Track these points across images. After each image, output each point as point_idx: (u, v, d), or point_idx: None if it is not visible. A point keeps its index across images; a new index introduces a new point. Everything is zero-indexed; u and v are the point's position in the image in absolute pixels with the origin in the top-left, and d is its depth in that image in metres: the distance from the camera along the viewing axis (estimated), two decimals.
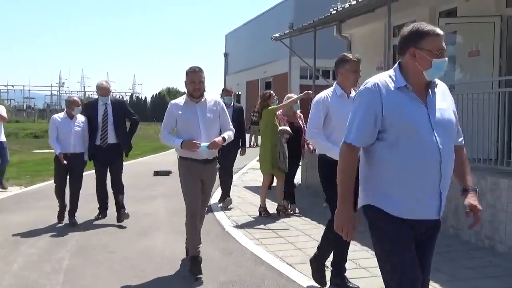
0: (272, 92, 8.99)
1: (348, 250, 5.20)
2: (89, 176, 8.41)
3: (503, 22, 9.36)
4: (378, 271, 5.53)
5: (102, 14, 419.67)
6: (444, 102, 3.04)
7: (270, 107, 8.62)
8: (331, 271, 5.17)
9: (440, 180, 2.91)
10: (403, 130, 2.86)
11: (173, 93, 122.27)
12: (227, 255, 6.35)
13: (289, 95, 8.97)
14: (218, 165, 5.97)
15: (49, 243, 6.93)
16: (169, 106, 5.71)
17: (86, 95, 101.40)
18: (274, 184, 9.22)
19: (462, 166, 3.18)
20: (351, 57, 5.07)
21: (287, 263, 5.94)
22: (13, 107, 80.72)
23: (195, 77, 5.50)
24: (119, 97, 55.11)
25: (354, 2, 11.03)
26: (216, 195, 10.19)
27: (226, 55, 54.08)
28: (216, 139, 5.49)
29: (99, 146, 7.94)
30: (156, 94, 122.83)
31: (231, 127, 5.85)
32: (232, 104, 9.43)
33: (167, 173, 14.38)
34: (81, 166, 8.05)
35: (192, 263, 5.52)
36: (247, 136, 14.42)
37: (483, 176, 6.77)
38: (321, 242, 5.23)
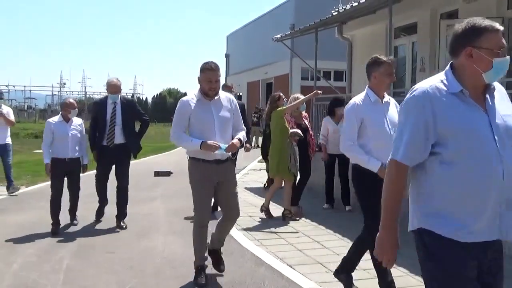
0: (281, 94, 8.88)
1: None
2: (88, 176, 8.39)
3: (504, 24, 9.35)
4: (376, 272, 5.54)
5: (103, 15, 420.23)
6: (506, 107, 2.64)
7: (279, 108, 8.49)
8: (341, 264, 5.10)
9: (503, 196, 2.51)
10: (462, 142, 2.48)
11: (174, 94, 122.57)
12: (227, 256, 6.32)
13: (296, 95, 8.88)
14: (234, 164, 5.71)
15: (49, 243, 6.92)
16: (180, 104, 5.31)
17: (87, 96, 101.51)
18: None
19: None
20: (385, 59, 4.75)
21: (287, 264, 5.93)
22: (14, 107, 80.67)
23: (212, 75, 5.14)
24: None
25: (356, 4, 11.03)
26: None
27: (227, 56, 54.07)
28: (234, 141, 5.20)
29: (105, 146, 7.64)
30: (157, 94, 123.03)
31: (243, 126, 5.59)
32: None
33: (167, 173, 14.39)
34: (79, 171, 7.74)
35: (198, 272, 5.33)
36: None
37: None
38: (350, 256, 5.06)
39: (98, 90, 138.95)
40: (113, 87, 7.69)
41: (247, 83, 46.00)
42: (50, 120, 7.72)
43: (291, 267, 5.84)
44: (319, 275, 5.56)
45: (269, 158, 8.86)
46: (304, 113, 9.05)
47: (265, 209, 8.61)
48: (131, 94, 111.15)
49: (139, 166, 16.67)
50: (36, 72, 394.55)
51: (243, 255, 6.40)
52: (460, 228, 2.52)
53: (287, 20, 31.41)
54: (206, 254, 5.48)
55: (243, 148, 9.06)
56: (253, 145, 22.68)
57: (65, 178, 7.70)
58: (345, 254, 5.21)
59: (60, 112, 7.76)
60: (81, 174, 7.83)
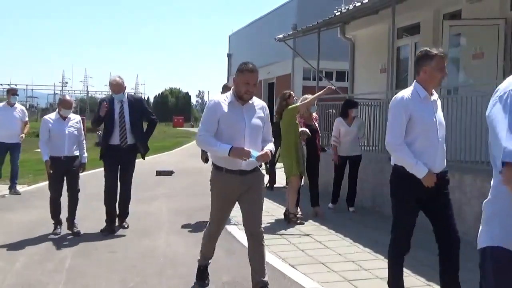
0: (292, 92, 8.70)
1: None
2: (90, 175, 8.38)
3: (507, 25, 9.35)
4: (380, 273, 5.56)
5: (105, 14, 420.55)
6: None
7: (291, 106, 8.29)
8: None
9: None
10: None
11: (175, 93, 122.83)
12: (230, 256, 6.34)
13: (306, 96, 8.72)
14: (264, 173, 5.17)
15: (52, 242, 6.93)
16: (210, 103, 4.81)
17: (89, 95, 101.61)
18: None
19: None
20: (436, 52, 4.32)
21: (289, 264, 5.93)
22: None
23: (251, 77, 4.67)
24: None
25: (358, 4, 11.02)
26: None
27: (229, 56, 54.07)
28: (267, 151, 4.69)
29: (116, 146, 7.31)
30: (159, 94, 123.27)
31: (272, 137, 5.04)
32: None
33: (169, 173, 14.40)
34: (77, 169, 7.37)
35: (201, 272, 5.27)
36: None
37: (486, 179, 6.73)
38: (392, 271, 4.67)
39: (100, 89, 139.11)
40: (116, 86, 7.36)
41: None
42: (46, 117, 7.44)
43: (293, 267, 5.84)
44: (321, 275, 5.55)
45: (283, 158, 8.45)
46: (314, 115, 8.95)
47: (293, 215, 8.21)
48: (133, 93, 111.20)
49: (140, 166, 16.62)
50: (38, 71, 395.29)
51: (245, 255, 6.38)
52: None
53: (290, 20, 31.40)
54: (211, 255, 5.32)
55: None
56: None
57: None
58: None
59: (57, 109, 7.47)
60: (80, 174, 7.55)
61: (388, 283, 4.62)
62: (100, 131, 15.80)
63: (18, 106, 10.83)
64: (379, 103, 10.30)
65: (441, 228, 4.49)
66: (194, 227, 7.88)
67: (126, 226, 7.67)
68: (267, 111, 4.94)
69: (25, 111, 11.06)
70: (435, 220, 4.52)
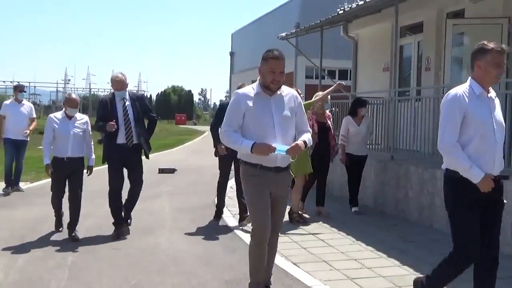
0: (298, 89, 8.61)
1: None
2: (93, 173, 8.31)
3: (510, 24, 9.34)
4: (382, 271, 5.57)
5: (108, 11, 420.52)
6: None
7: (304, 102, 8.14)
8: None
9: None
10: None
11: (178, 91, 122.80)
12: (232, 253, 6.35)
13: (318, 93, 8.56)
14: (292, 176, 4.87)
15: (54, 239, 6.95)
16: (234, 96, 4.51)
17: (92, 92, 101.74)
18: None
19: None
20: (492, 45, 3.99)
21: (292, 262, 5.93)
22: None
23: (276, 65, 4.33)
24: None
25: (361, 2, 11.02)
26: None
27: (232, 54, 54.08)
28: (298, 142, 4.38)
29: (121, 145, 6.98)
30: (161, 91, 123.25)
31: (309, 128, 4.72)
32: None
33: (172, 170, 14.41)
34: (81, 171, 7.09)
35: None
36: None
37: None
38: (435, 277, 4.31)
39: (102, 87, 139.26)
40: (119, 83, 7.06)
41: (251, 81, 45.90)
42: (52, 116, 7.17)
43: (296, 265, 5.84)
44: (324, 273, 5.55)
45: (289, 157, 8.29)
46: (328, 113, 8.75)
47: (297, 215, 8.09)
48: (135, 91, 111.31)
49: (143, 164, 16.69)
50: (40, 68, 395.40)
51: (247, 252, 6.38)
52: None
53: (293, 19, 31.40)
54: (266, 276, 4.76)
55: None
56: None
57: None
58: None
59: (63, 108, 7.18)
60: (85, 176, 7.20)
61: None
62: None
63: (26, 102, 10.87)
64: (381, 101, 10.30)
65: (483, 243, 4.03)
66: (197, 225, 7.89)
67: (129, 222, 7.47)
68: (299, 99, 4.63)
69: (33, 107, 11.06)
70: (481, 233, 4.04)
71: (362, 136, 8.91)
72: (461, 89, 4.00)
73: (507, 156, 7.02)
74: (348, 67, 18.77)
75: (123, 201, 7.33)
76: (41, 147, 7.07)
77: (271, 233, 4.52)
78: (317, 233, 7.37)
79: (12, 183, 10.53)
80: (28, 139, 10.64)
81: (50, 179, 7.36)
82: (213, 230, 7.57)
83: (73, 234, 6.89)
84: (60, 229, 7.25)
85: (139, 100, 7.29)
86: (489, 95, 4.06)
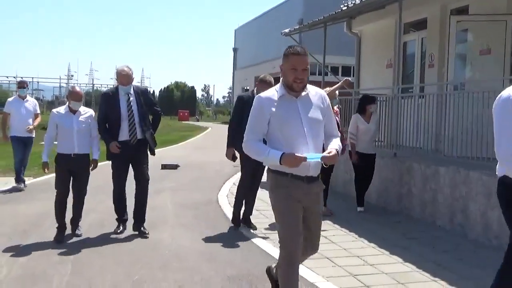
0: None
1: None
2: (96, 171, 8.28)
3: None
4: (384, 268, 5.57)
5: (111, 7, 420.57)
6: None
7: None
8: None
9: None
10: None
11: (181, 87, 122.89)
12: (235, 249, 6.35)
13: (326, 89, 8.36)
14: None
15: (56, 227, 6.94)
16: (257, 102, 3.97)
17: (95, 88, 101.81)
18: None
19: None
20: None
21: None
22: None
23: (298, 61, 3.87)
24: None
25: None
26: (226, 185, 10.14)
27: (235, 50, 54.10)
28: (334, 151, 3.89)
29: (124, 142, 6.74)
30: (164, 87, 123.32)
31: (338, 132, 4.28)
32: None
33: (175, 166, 14.43)
34: (87, 169, 6.83)
35: None
36: None
37: (492, 175, 6.72)
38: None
39: (105, 83, 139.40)
40: (125, 77, 6.76)
41: (254, 77, 45.98)
42: (55, 110, 6.86)
43: None
44: (326, 269, 5.56)
45: None
46: (336, 109, 8.57)
47: None
48: (139, 85, 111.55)
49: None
50: (43, 63, 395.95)
51: (250, 248, 6.42)
52: None
53: (296, 15, 31.39)
54: None
55: None
56: None
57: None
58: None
59: (67, 103, 6.87)
60: (91, 177, 6.98)
61: None
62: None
63: (30, 98, 10.81)
64: (385, 98, 10.28)
65: None
66: (199, 221, 7.90)
67: (147, 233, 6.94)
68: (328, 100, 4.13)
69: (37, 103, 10.99)
70: None
71: (371, 134, 8.80)
72: None
73: None
74: (351, 63, 18.77)
75: (127, 199, 7.21)
76: (43, 142, 7.03)
77: (307, 253, 4.23)
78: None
79: (24, 180, 10.55)
80: (34, 135, 10.59)
81: (52, 175, 7.33)
82: (216, 226, 7.57)
83: (76, 230, 6.89)
84: (61, 239, 6.60)
85: (143, 94, 7.02)
86: None
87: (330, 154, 3.84)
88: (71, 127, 6.63)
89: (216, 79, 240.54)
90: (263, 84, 6.90)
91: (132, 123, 6.74)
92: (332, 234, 7.17)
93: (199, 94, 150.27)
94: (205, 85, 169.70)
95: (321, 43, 12.98)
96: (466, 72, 9.67)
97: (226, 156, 7.42)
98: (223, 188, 11.07)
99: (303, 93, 3.96)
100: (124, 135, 6.76)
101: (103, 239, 6.74)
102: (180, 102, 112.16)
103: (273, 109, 3.89)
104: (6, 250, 6.17)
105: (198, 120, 78.96)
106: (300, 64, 3.86)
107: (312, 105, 3.97)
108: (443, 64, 10.50)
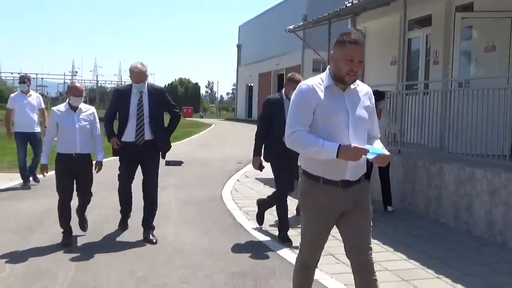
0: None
1: None
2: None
3: None
4: (388, 264, 5.54)
5: (115, 4, 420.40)
6: None
7: None
8: None
9: None
10: None
11: (185, 83, 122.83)
12: (238, 246, 6.36)
13: None
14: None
15: (61, 230, 6.95)
16: (301, 90, 3.51)
17: (99, 84, 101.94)
18: None
19: None
20: None
21: None
22: None
23: (355, 52, 3.39)
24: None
25: None
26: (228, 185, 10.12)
27: (239, 46, 54.05)
28: (387, 153, 3.43)
29: (131, 143, 6.45)
30: (168, 84, 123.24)
31: (379, 133, 3.81)
32: None
33: (179, 163, 14.43)
34: (90, 170, 6.50)
35: None
36: None
37: (497, 173, 6.72)
38: None
39: (109, 79, 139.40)
40: (138, 75, 6.40)
41: (258, 74, 46.00)
42: (54, 108, 6.44)
43: None
44: (331, 266, 5.55)
45: None
46: None
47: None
48: (154, 84, 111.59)
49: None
50: (48, 60, 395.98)
51: (253, 244, 6.42)
52: None
53: (300, 11, 31.35)
54: None
55: None
56: None
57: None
58: None
59: (67, 99, 6.48)
60: (94, 174, 6.59)
61: None
62: None
63: (33, 93, 10.63)
64: (389, 95, 10.26)
65: None
66: (203, 218, 7.91)
67: (154, 240, 6.48)
68: (373, 99, 3.69)
69: (41, 98, 10.86)
70: None
71: (382, 132, 8.69)
72: None
73: None
74: None
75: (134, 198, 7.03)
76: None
77: (363, 253, 3.86)
78: None
79: (28, 178, 10.41)
80: (39, 130, 10.35)
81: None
82: (219, 223, 7.58)
83: (83, 228, 6.79)
84: (70, 243, 6.30)
85: (158, 94, 6.65)
86: None
87: (386, 155, 3.41)
88: (72, 125, 6.27)
89: (220, 76, 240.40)
90: (292, 82, 6.42)
91: (141, 123, 6.42)
92: (336, 230, 7.14)
93: (203, 90, 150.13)
94: (209, 81, 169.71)
95: (325, 40, 12.98)
96: (470, 69, 9.64)
97: (253, 165, 6.84)
98: (226, 185, 11.08)
99: (352, 86, 3.52)
100: (129, 136, 6.47)
101: (108, 235, 6.75)
102: (184, 99, 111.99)
103: (320, 99, 3.43)
104: (11, 246, 6.18)
105: (202, 117, 78.83)
106: (357, 55, 3.39)
107: (359, 101, 3.54)
108: (448, 61, 10.48)
